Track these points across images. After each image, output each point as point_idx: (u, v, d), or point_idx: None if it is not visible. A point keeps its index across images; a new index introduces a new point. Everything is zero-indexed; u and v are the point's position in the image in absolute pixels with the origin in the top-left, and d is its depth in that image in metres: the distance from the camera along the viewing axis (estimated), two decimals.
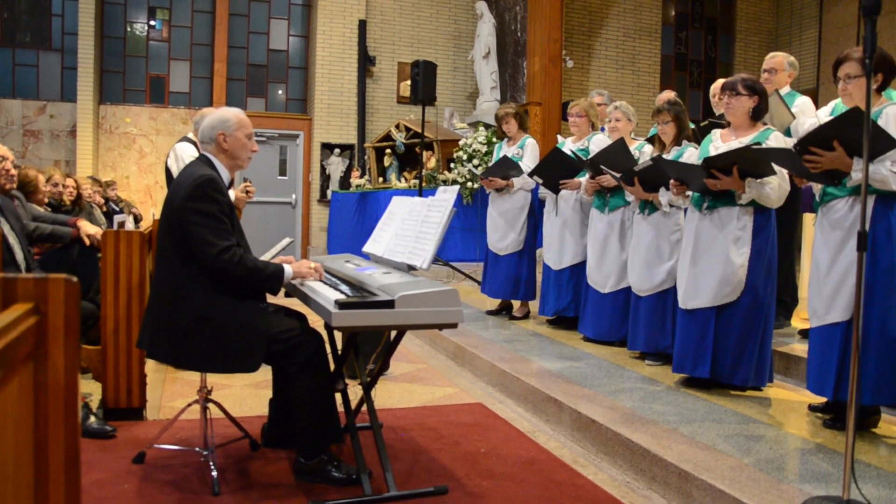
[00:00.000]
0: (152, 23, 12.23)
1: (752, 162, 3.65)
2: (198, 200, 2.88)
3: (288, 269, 3.04)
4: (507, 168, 5.90)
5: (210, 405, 3.27)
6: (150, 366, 4.36)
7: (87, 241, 4.39)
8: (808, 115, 4.74)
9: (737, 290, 3.89)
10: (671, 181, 4.13)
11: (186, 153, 4.78)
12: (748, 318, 3.90)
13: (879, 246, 3.24)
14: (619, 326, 5.19)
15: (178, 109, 12.14)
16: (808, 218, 5.14)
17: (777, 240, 4.02)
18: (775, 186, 3.79)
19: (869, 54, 2.39)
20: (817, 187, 3.55)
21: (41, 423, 1.17)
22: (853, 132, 3.09)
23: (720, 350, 3.95)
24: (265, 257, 3.76)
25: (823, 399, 3.64)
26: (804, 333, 4.66)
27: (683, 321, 4.09)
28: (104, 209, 8.31)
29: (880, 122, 3.21)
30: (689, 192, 4.11)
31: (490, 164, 6.10)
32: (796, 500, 2.58)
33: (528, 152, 6.05)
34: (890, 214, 3.25)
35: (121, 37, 12.05)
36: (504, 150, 6.25)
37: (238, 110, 3.18)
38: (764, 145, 3.78)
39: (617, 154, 4.94)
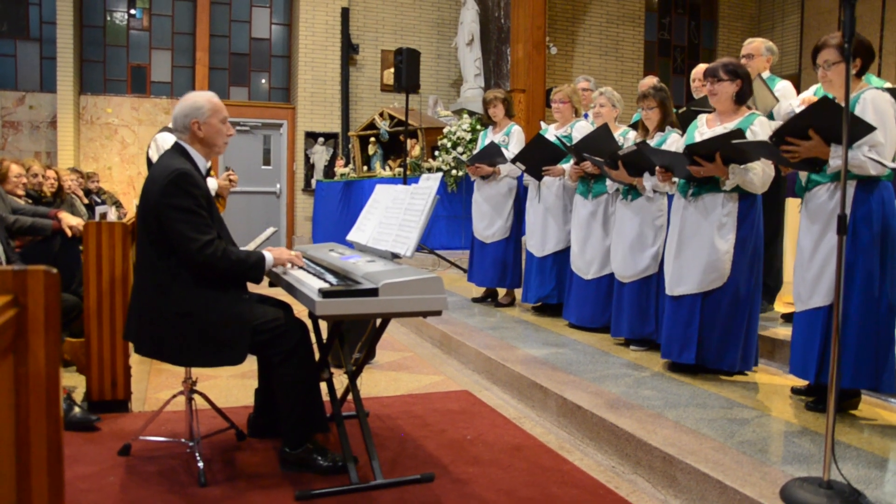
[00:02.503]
0: (132, 11, 12.09)
1: (735, 148, 3.67)
2: (173, 196, 2.84)
3: (269, 256, 3.03)
4: (494, 155, 5.90)
5: (195, 396, 3.26)
6: (135, 357, 4.33)
7: (69, 233, 4.35)
8: (790, 100, 4.77)
9: (722, 277, 3.92)
10: (657, 168, 4.14)
11: (168, 143, 4.72)
12: (733, 303, 3.93)
13: (860, 230, 3.27)
14: (602, 313, 5.21)
15: (159, 99, 12.04)
16: (791, 203, 5.17)
17: (762, 225, 4.05)
18: (759, 172, 3.80)
19: (848, 39, 2.41)
20: (804, 173, 3.58)
21: (22, 416, 1.16)
22: (827, 120, 3.11)
23: (706, 336, 3.98)
24: (249, 247, 3.74)
25: (806, 382, 3.68)
26: (787, 318, 4.71)
27: (670, 307, 4.12)
28: (86, 202, 8.24)
29: (857, 108, 3.24)
30: (675, 179, 4.12)
31: (476, 151, 6.09)
32: (779, 481, 2.61)
33: (513, 139, 6.05)
34: (870, 199, 3.28)
35: (100, 26, 11.91)
36: (489, 137, 6.25)
37: (210, 94, 3.09)
38: (749, 131, 3.79)
39: (601, 140, 4.95)
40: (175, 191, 2.85)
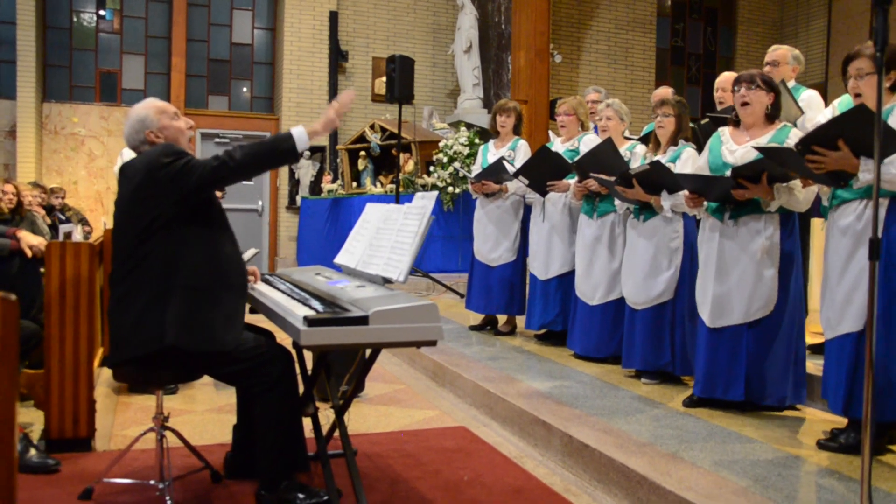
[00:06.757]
0: (102, 12, 12.15)
1: (780, 167, 3.68)
2: (170, 165, 2.88)
3: (298, 128, 2.96)
4: (501, 171, 5.91)
5: (167, 433, 3.22)
6: (100, 391, 4.31)
7: (29, 254, 4.33)
8: (816, 111, 4.78)
9: (769, 304, 3.93)
10: (686, 194, 4.12)
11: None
12: (782, 331, 3.94)
13: (893, 251, 3.26)
14: (609, 342, 5.20)
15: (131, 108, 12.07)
16: (816, 224, 5.18)
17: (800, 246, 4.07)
18: (803, 189, 3.83)
19: (880, 47, 2.41)
20: (824, 191, 3.58)
21: None
22: (859, 130, 3.11)
23: (754, 369, 3.97)
24: None
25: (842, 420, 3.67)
26: (813, 348, 4.69)
27: (709, 340, 4.08)
28: (49, 221, 8.22)
29: (891, 121, 3.24)
30: (705, 203, 4.11)
31: (486, 167, 6.10)
32: None
33: (520, 154, 6.07)
34: None
35: (66, 27, 11.96)
36: (491, 152, 6.26)
37: (149, 100, 3.18)
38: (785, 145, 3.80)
39: (605, 156, 4.94)
40: (170, 151, 2.92)
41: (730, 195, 3.89)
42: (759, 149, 3.65)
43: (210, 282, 2.92)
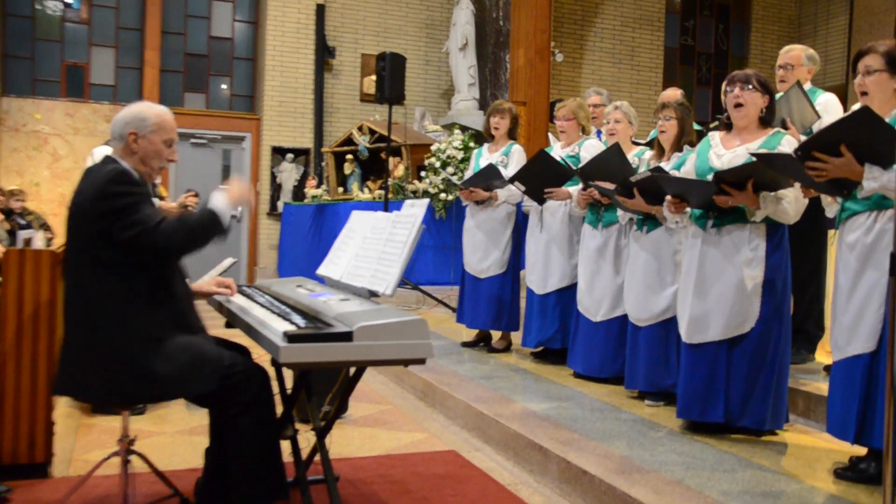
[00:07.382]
0: (68, 0, 12.12)
1: (769, 174, 3.68)
2: (112, 198, 2.86)
3: (217, 203, 3.08)
4: (491, 177, 5.91)
5: (133, 457, 3.20)
6: (61, 412, 4.27)
7: None
8: (834, 115, 4.77)
9: (751, 320, 3.92)
10: (668, 198, 4.13)
11: None
12: (764, 350, 3.93)
13: None
14: (613, 361, 5.19)
15: (100, 105, 12.05)
16: (833, 236, 5.19)
17: (801, 261, 4.04)
18: (792, 200, 3.82)
19: None
20: (827, 202, 3.58)
21: None
22: (863, 135, 3.10)
23: (733, 389, 3.96)
24: (205, 279, 3.74)
25: (852, 447, 3.66)
26: (830, 369, 4.70)
27: (689, 358, 4.09)
28: (7, 226, 8.18)
29: None
30: (688, 209, 4.12)
31: (472, 173, 6.11)
32: None
33: (513, 160, 6.07)
34: None
35: (28, 16, 11.94)
36: (484, 156, 6.27)
37: (163, 109, 3.15)
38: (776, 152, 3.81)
39: (611, 162, 4.93)
40: (113, 192, 2.88)
41: (713, 202, 3.89)
42: (756, 155, 3.63)
43: (167, 328, 2.92)
